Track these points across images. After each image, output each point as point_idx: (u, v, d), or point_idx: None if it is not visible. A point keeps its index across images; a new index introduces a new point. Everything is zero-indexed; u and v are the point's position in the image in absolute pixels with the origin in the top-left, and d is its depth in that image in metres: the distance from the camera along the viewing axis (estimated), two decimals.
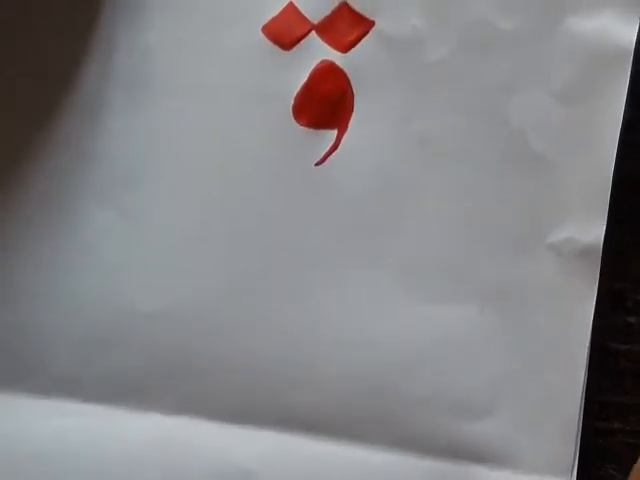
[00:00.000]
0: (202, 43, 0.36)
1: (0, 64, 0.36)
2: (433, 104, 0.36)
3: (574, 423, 0.36)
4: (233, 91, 0.36)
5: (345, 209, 0.36)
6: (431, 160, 0.36)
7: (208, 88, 0.36)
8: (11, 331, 0.36)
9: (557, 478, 0.36)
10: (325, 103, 0.36)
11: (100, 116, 0.36)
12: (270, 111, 0.36)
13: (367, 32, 0.35)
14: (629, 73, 0.35)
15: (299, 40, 0.36)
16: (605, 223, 0.35)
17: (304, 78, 0.36)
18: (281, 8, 0.36)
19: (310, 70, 0.36)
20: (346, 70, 0.36)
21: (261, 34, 0.35)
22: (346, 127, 0.36)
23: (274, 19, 0.36)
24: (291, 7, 0.36)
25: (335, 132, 0.36)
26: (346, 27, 0.36)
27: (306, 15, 0.36)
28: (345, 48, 0.36)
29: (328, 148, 0.36)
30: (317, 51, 0.36)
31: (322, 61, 0.36)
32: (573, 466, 0.36)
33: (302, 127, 0.36)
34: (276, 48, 0.36)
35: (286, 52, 0.36)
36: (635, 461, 0.35)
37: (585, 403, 0.36)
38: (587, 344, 0.36)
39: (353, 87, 0.36)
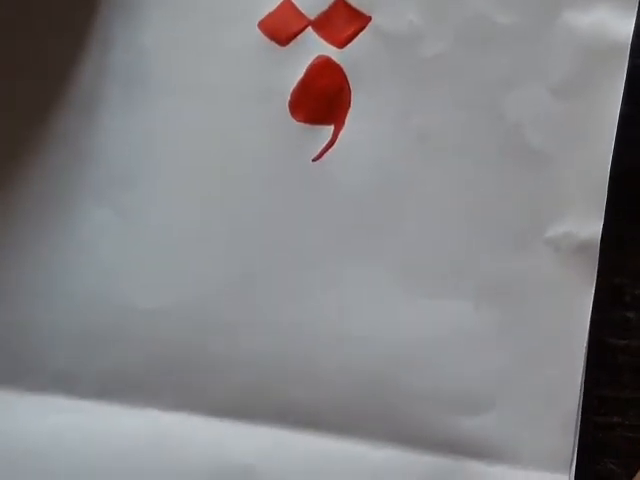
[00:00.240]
0: (199, 41, 0.36)
1: None
2: (430, 99, 0.35)
3: (573, 418, 0.36)
4: (230, 88, 0.36)
5: (343, 204, 0.36)
6: (429, 155, 0.36)
7: (205, 86, 0.36)
8: (8, 329, 0.37)
9: (556, 473, 0.36)
10: (322, 99, 0.36)
11: (97, 115, 0.36)
12: (267, 107, 0.36)
13: (363, 27, 0.35)
14: (626, 67, 0.35)
15: (295, 36, 0.36)
16: (603, 218, 0.35)
17: (300, 74, 0.36)
18: (278, 4, 0.35)
19: (306, 66, 0.36)
20: (343, 65, 0.36)
21: (257, 30, 0.35)
22: (343, 123, 0.36)
23: (270, 15, 0.35)
24: (287, 3, 0.35)
25: (332, 128, 0.36)
26: (342, 22, 0.35)
27: (302, 11, 0.35)
28: (341, 43, 0.36)
29: (325, 144, 0.36)
30: (313, 46, 0.36)
31: (318, 57, 0.36)
32: (572, 461, 0.36)
33: (299, 123, 0.36)
34: (272, 44, 0.35)
35: (282, 48, 0.36)
36: (634, 455, 0.35)
37: (584, 398, 0.36)
38: (585, 339, 0.36)
39: (350, 82, 0.36)
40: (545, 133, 0.35)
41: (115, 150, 0.36)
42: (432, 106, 0.36)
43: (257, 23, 0.35)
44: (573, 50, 0.35)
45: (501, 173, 0.36)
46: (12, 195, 0.36)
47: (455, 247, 0.36)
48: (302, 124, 0.36)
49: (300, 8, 0.35)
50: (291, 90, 0.36)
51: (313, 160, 0.36)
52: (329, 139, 0.36)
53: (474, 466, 0.36)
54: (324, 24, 0.36)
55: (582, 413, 0.36)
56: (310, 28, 0.36)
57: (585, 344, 0.36)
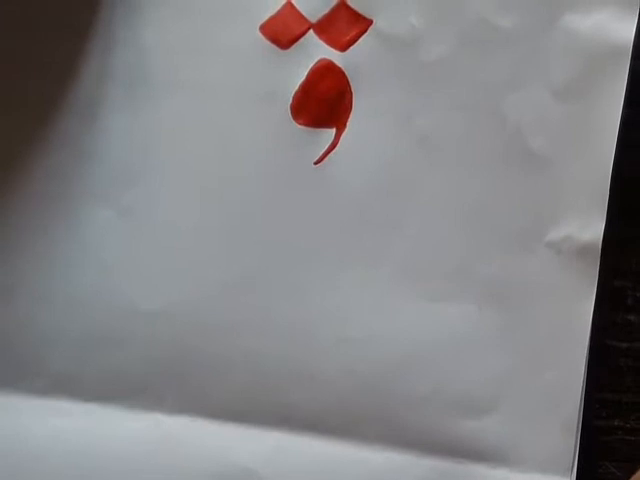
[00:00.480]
0: (200, 41, 0.36)
1: None
2: (432, 102, 0.36)
3: (574, 421, 0.36)
4: (231, 90, 0.36)
5: (345, 207, 0.36)
6: (430, 158, 0.36)
7: (206, 86, 0.36)
8: (10, 330, 0.36)
9: (557, 476, 0.36)
10: (323, 102, 0.36)
11: (99, 114, 0.36)
12: (268, 110, 0.36)
13: (365, 31, 0.35)
14: (627, 70, 0.35)
15: (297, 39, 0.36)
16: (604, 220, 0.35)
17: (302, 77, 0.36)
18: (279, 7, 0.36)
19: (308, 69, 0.36)
20: (344, 69, 0.36)
21: (259, 33, 0.35)
22: (345, 126, 0.36)
23: (272, 18, 0.36)
24: (289, 6, 0.35)
25: (334, 131, 0.36)
26: (344, 26, 0.35)
27: (304, 14, 0.36)
28: (343, 47, 0.36)
29: (327, 147, 0.36)
30: (315, 50, 0.36)
31: (320, 60, 0.36)
32: (573, 464, 0.36)
33: (301, 126, 0.36)
34: (274, 47, 0.35)
35: (284, 51, 0.36)
36: (635, 459, 0.35)
37: (585, 401, 0.36)
38: (587, 342, 0.36)
39: (351, 86, 0.36)
40: (546, 136, 0.35)
41: (117, 150, 0.36)
42: (434, 109, 0.36)
43: (259, 26, 0.35)
44: (574, 53, 0.35)
45: (502, 176, 0.36)
46: (15, 195, 0.36)
47: (456, 250, 0.36)
48: (304, 127, 0.36)
49: (302, 11, 0.36)
50: (293, 93, 0.36)
51: (315, 163, 0.36)
52: (331, 142, 0.36)
53: (475, 469, 0.36)
54: (326, 27, 0.36)
55: (583, 416, 0.36)
56: (312, 31, 0.36)
57: (586, 347, 0.36)
